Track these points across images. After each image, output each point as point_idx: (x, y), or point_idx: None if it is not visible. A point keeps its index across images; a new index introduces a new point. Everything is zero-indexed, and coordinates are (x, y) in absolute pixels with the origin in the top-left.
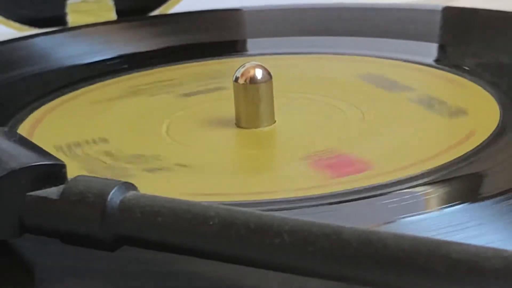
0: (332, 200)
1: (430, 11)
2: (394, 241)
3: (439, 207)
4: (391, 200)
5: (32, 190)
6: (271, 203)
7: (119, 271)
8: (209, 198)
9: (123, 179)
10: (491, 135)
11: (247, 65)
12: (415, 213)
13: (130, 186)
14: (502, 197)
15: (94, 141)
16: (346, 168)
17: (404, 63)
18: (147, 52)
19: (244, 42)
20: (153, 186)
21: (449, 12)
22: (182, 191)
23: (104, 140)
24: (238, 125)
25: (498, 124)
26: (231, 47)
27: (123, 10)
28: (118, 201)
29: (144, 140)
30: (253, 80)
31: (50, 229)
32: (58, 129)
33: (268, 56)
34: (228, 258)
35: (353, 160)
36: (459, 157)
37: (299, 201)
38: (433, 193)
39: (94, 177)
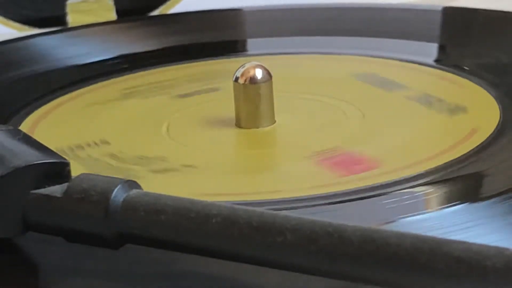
0: (332, 200)
1: (430, 11)
2: (396, 240)
3: (440, 207)
4: (391, 200)
5: (35, 188)
6: (272, 203)
7: (122, 269)
8: (209, 198)
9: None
10: (492, 133)
11: (247, 65)
12: (416, 213)
13: (133, 184)
14: (502, 197)
15: (96, 144)
16: (353, 166)
17: (403, 63)
18: (147, 52)
19: (244, 42)
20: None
21: (449, 12)
22: (183, 192)
23: (106, 142)
24: (238, 125)
25: (498, 124)
26: (231, 47)
27: (123, 10)
28: (121, 199)
29: (145, 141)
30: (253, 80)
31: (54, 227)
32: (58, 130)
33: (268, 56)
34: (231, 256)
35: (358, 158)
36: (460, 157)
37: (299, 201)
38: (434, 193)
39: (97, 175)
